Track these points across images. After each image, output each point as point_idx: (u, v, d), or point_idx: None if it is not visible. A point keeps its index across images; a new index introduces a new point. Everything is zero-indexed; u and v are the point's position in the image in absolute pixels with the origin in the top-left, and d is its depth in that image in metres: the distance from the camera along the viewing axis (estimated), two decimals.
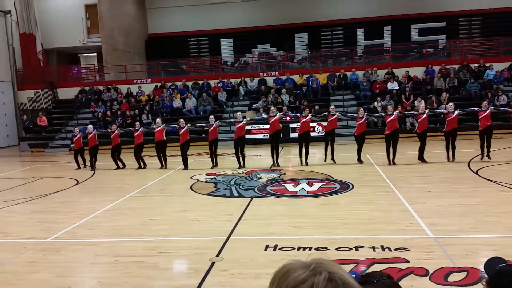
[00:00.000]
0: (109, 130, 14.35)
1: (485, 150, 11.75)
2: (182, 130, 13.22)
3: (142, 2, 26.66)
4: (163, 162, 13.52)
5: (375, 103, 18.67)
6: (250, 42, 24.90)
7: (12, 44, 24.32)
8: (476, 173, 10.47)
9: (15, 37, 24.36)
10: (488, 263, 1.71)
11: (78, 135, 14.03)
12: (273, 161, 12.79)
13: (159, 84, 22.69)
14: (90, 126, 14.75)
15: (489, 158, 11.67)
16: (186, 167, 13.11)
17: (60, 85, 24.38)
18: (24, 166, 17.46)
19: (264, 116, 13.76)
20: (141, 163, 13.67)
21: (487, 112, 11.64)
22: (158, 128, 13.48)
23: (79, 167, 14.11)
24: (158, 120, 14.34)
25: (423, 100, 17.92)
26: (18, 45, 24.50)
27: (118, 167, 13.79)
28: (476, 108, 11.98)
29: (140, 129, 13.83)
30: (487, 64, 20.15)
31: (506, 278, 1.58)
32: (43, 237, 7.13)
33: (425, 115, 11.97)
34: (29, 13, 24.12)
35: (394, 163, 11.96)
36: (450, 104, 12.41)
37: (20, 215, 9.02)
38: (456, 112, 11.82)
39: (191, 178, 11.67)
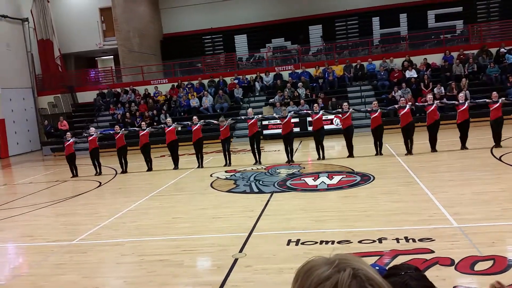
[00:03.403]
0: (111, 131, 14.07)
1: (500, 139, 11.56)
2: (195, 127, 13.18)
3: (155, 2, 26.86)
4: (176, 162, 13.35)
5: (393, 92, 18.44)
6: (264, 37, 24.87)
7: (31, 51, 24.76)
8: (500, 159, 10.27)
9: (33, 44, 24.79)
10: None
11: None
12: (288, 158, 12.67)
13: (175, 84, 22.84)
14: (92, 129, 14.52)
15: (501, 146, 11.44)
16: (201, 165, 13.13)
17: (79, 89, 24.76)
18: (47, 170, 17.79)
19: (276, 116, 13.70)
20: (149, 165, 13.51)
21: (498, 104, 11.40)
22: (169, 128, 13.30)
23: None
24: (169, 119, 14.18)
25: (436, 89, 17.64)
26: (36, 51, 24.93)
27: (123, 170, 13.55)
28: (486, 100, 11.71)
29: (146, 129, 13.57)
30: (508, 48, 19.68)
31: None
32: (69, 239, 7.27)
33: (433, 106, 11.75)
34: (46, 19, 24.50)
35: (411, 153, 11.82)
36: (461, 94, 12.15)
37: (46, 219, 9.20)
38: (466, 103, 11.59)
39: (210, 176, 11.73)
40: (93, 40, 25.30)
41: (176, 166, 13.33)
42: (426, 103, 12.26)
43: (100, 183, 12.46)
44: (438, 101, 12.38)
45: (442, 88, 17.96)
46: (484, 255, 4.94)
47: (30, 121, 24.52)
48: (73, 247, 6.89)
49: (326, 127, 13.48)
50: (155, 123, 19.61)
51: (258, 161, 12.79)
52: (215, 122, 13.74)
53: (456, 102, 11.93)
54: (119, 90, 23.53)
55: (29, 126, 24.40)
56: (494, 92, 11.91)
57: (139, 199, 9.79)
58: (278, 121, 15.80)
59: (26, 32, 24.71)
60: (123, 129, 14.09)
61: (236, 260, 5.57)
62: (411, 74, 19.63)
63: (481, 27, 22.30)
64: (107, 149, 16.55)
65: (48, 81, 25.26)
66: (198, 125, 13.20)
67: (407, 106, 11.97)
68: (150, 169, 13.50)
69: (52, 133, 22.32)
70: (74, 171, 13.89)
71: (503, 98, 11.83)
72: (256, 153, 12.84)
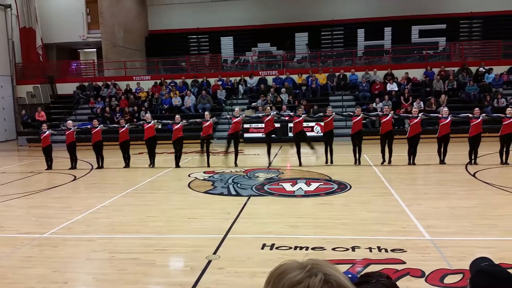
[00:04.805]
0: (88, 126, 13.74)
1: (473, 156, 11.81)
2: (177, 126, 13.06)
3: None
4: (152, 160, 13.21)
5: (374, 104, 18.69)
6: (250, 40, 24.91)
7: (12, 38, 24.27)
8: (474, 175, 10.49)
9: (15, 32, 24.30)
10: (473, 262, 1.77)
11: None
12: (269, 160, 12.76)
13: (158, 81, 22.67)
14: (69, 122, 14.26)
15: (476, 164, 11.69)
16: (177, 165, 13.04)
17: (59, 80, 24.35)
18: (21, 160, 17.44)
19: (260, 114, 13.74)
20: (126, 161, 13.33)
21: (479, 120, 11.63)
22: (148, 125, 13.13)
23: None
24: (148, 115, 13.98)
25: (415, 103, 17.95)
26: (18, 39, 24.45)
27: (98, 166, 13.34)
28: (469, 115, 11.94)
29: (126, 126, 13.37)
30: (487, 67, 20.17)
31: (486, 276, 1.64)
32: (40, 232, 7.12)
33: (418, 119, 11.94)
34: (30, 7, 24.06)
35: (390, 162, 12.01)
36: (445, 109, 12.37)
37: (17, 210, 9.00)
38: (449, 118, 11.82)
39: (189, 175, 11.66)
40: (77, 31, 24.95)
41: (152, 164, 13.20)
42: (410, 115, 12.45)
43: (75, 177, 12.26)
44: (422, 113, 12.57)
45: (422, 102, 18.27)
46: (454, 269, 5.03)
47: (7, 110, 24.00)
48: (43, 240, 6.76)
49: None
50: (135, 120, 19.41)
51: (234, 163, 12.77)
52: (197, 120, 13.70)
53: (440, 116, 12.13)
54: (100, 83, 23.23)
55: (5, 115, 23.87)
56: (477, 108, 12.13)
57: (114, 195, 9.67)
58: (260, 125, 15.84)
59: (8, 19, 24.21)
60: (101, 125, 13.87)
61: (209, 262, 5.54)
62: (392, 87, 19.93)
63: (462, 46, 22.82)
64: (84, 143, 16.28)
65: (28, 70, 24.79)
66: (180, 124, 13.10)
67: (390, 115, 12.15)
68: (127, 165, 13.35)
69: (29, 124, 21.90)
70: (49, 164, 13.65)
71: (484, 115, 12.07)
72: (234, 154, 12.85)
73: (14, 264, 5.79)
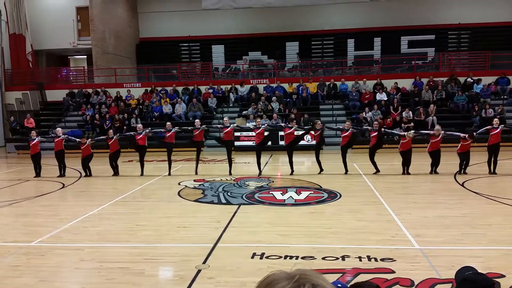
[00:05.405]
0: (78, 140, 13.50)
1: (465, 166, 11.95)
2: (169, 134, 13.04)
3: (134, 6, 26.68)
4: (141, 169, 13.14)
5: (364, 113, 18.82)
6: (241, 49, 25.03)
7: (1, 44, 24.10)
8: (462, 185, 10.58)
9: (4, 38, 24.14)
10: (459, 271, 1.82)
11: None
12: (259, 169, 12.78)
13: (149, 89, 22.62)
14: (59, 129, 14.11)
15: (466, 173, 11.81)
16: (169, 173, 13.00)
17: (48, 87, 24.19)
18: (10, 168, 17.25)
19: (251, 126, 13.79)
20: (115, 170, 13.22)
21: (470, 141, 11.75)
22: (140, 136, 13.08)
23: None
24: (140, 126, 13.95)
25: (404, 112, 18.09)
26: (7, 45, 24.28)
27: (86, 175, 13.21)
28: (461, 135, 12.01)
29: (114, 137, 13.20)
30: (475, 78, 20.44)
31: (471, 285, 1.68)
32: (28, 241, 7.03)
33: (408, 139, 12.05)
34: (20, 13, 23.95)
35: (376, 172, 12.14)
36: (438, 127, 12.34)
37: (4, 218, 8.88)
38: (440, 136, 11.91)
39: (179, 184, 11.61)
40: (67, 38, 24.87)
41: (141, 173, 13.12)
42: (402, 133, 12.52)
43: (64, 184, 12.15)
44: (414, 131, 12.66)
45: (411, 112, 18.44)
46: (443, 278, 5.05)
47: None
48: (31, 249, 6.67)
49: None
50: (125, 127, 19.34)
51: (229, 172, 12.76)
52: (189, 128, 13.68)
53: (431, 133, 12.15)
54: (90, 90, 23.12)
55: None
56: (467, 134, 11.92)
57: (103, 203, 9.59)
58: (250, 133, 15.83)
59: None
60: (89, 140, 13.65)
61: (199, 271, 5.51)
62: (381, 96, 20.10)
63: (451, 56, 23.12)
64: (73, 150, 16.17)
65: (18, 76, 24.61)
66: (172, 131, 13.05)
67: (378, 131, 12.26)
68: (116, 173, 13.25)
69: (17, 130, 21.69)
70: (38, 171, 13.51)
71: (475, 134, 12.07)
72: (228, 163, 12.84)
73: (1, 273, 5.70)
